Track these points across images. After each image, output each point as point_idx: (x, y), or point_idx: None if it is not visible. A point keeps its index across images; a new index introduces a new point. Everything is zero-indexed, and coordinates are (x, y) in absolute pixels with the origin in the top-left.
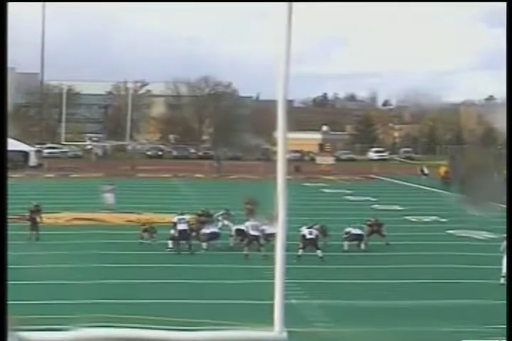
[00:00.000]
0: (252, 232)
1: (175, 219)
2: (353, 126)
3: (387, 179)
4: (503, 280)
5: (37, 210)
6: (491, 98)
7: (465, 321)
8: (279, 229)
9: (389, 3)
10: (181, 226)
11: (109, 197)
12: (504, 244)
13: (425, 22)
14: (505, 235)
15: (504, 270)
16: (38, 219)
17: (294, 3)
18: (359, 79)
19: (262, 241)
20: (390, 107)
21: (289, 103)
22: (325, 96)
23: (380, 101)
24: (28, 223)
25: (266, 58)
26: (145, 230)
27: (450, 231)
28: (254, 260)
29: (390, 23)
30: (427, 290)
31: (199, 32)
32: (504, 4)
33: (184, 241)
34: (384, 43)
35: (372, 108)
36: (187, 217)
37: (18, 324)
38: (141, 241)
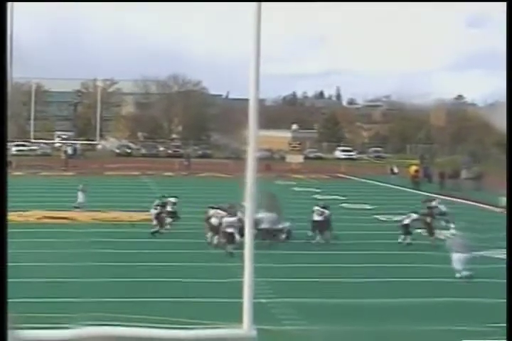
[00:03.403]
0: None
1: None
2: (321, 124)
3: (356, 178)
4: (458, 275)
5: None
6: (459, 97)
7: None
8: (247, 228)
9: (367, 3)
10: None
11: (82, 196)
12: (451, 241)
13: (402, 22)
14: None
15: (456, 266)
16: None
17: (270, 3)
18: (332, 78)
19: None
20: (357, 106)
21: (261, 102)
22: (294, 95)
23: (349, 101)
24: None
25: (238, 57)
26: None
27: (418, 231)
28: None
29: (367, 23)
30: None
31: (171, 30)
32: (483, 5)
33: None
34: (359, 43)
35: (339, 106)
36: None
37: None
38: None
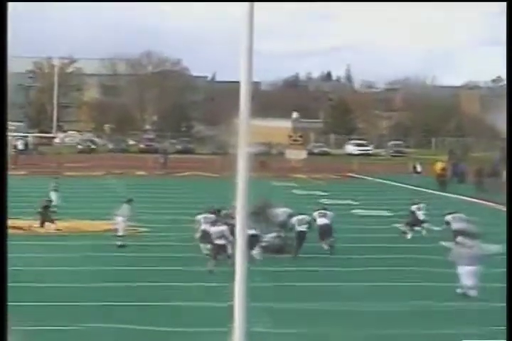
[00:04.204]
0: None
1: None
2: (327, 112)
3: (371, 178)
4: (459, 290)
5: None
6: (498, 79)
7: None
8: (239, 239)
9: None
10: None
11: (54, 196)
12: (460, 251)
13: None
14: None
15: (464, 282)
16: None
17: None
18: (341, 56)
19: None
20: (372, 90)
21: (255, 85)
22: (296, 76)
23: (363, 83)
24: None
25: (227, 31)
26: None
27: (443, 243)
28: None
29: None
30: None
31: (150, 5)
32: None
33: None
34: (373, 19)
35: (349, 90)
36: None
37: None
38: None
